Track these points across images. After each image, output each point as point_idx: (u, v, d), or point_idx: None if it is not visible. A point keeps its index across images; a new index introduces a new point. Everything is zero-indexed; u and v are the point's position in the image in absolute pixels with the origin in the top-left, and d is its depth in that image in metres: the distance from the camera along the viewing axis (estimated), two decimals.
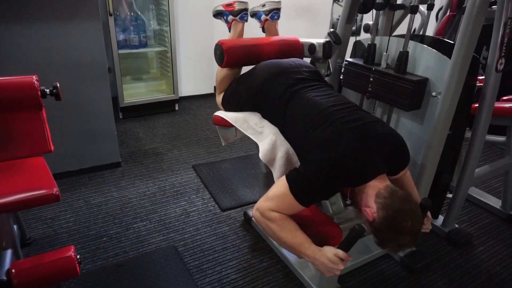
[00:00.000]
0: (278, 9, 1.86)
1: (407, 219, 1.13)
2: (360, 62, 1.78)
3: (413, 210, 1.16)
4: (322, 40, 1.70)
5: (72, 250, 1.42)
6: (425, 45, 1.57)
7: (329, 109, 1.29)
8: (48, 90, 1.27)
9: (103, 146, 2.38)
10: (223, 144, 1.88)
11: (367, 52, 1.74)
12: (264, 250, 1.83)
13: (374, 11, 1.80)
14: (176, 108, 3.45)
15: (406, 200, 1.16)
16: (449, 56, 1.47)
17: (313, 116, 1.30)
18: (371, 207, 1.17)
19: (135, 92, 3.31)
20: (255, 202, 2.15)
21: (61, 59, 2.06)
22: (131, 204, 2.12)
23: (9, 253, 1.46)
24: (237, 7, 1.84)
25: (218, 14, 1.92)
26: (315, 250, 1.17)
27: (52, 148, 1.64)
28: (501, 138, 2.15)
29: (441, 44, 1.67)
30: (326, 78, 1.78)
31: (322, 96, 1.38)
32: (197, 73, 3.68)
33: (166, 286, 1.59)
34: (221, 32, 3.72)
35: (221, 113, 1.69)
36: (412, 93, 1.52)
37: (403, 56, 1.58)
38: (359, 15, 2.07)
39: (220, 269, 1.70)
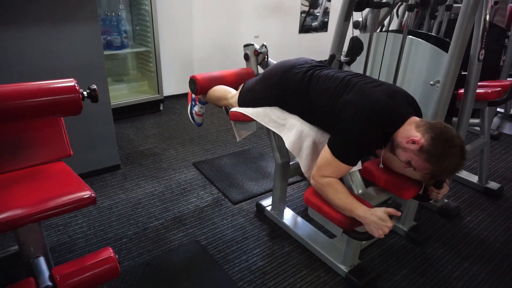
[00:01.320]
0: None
1: (452, 130, 1.24)
2: None
3: (453, 128, 1.27)
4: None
5: (111, 250, 1.44)
6: (422, 40, 1.76)
7: (347, 77, 1.45)
8: (86, 93, 1.27)
9: (102, 149, 2.34)
10: (237, 140, 1.96)
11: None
12: (283, 236, 1.94)
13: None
14: (161, 108, 3.43)
15: (445, 124, 1.27)
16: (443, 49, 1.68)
17: (335, 87, 1.44)
18: (415, 135, 1.24)
19: (119, 94, 3.25)
20: (262, 194, 2.28)
21: (58, 63, 2.01)
22: (142, 205, 2.13)
23: (43, 260, 1.45)
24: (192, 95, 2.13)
25: (192, 115, 2.18)
26: (366, 209, 1.30)
27: (71, 152, 1.63)
28: (476, 120, 2.43)
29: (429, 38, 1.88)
30: None
31: (337, 72, 1.54)
32: (178, 72, 3.68)
33: (200, 279, 1.65)
34: (199, 31, 3.76)
35: (239, 109, 1.77)
36: None
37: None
38: None
39: (246, 258, 1.78)
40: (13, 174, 1.43)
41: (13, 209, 1.21)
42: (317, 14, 5.19)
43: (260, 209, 2.11)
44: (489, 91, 2.11)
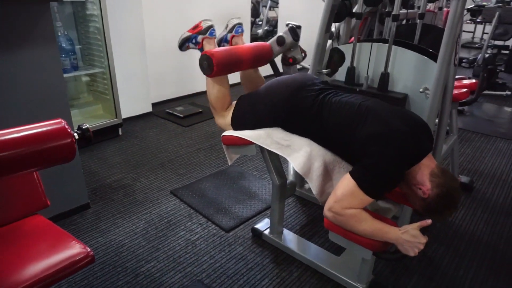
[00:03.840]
0: (240, 23, 1.92)
1: (458, 195, 1.33)
2: (340, 83, 1.96)
3: (459, 188, 1.35)
4: (285, 29, 1.81)
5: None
6: (408, 49, 1.79)
7: (362, 104, 1.42)
8: (76, 134, 1.06)
9: (67, 188, 2.05)
10: (229, 164, 1.82)
11: (348, 74, 1.93)
12: (288, 261, 1.84)
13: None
14: (120, 133, 3.15)
15: (455, 179, 1.33)
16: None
17: (352, 115, 1.40)
18: (426, 185, 1.31)
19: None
20: (254, 216, 2.16)
21: (12, 94, 1.72)
22: (126, 247, 1.89)
23: None
24: (204, 25, 1.84)
25: (185, 42, 1.87)
26: (396, 231, 1.27)
27: (49, 202, 1.38)
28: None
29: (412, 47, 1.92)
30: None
31: (348, 96, 1.50)
32: (134, 92, 3.42)
33: None
34: (153, 47, 3.53)
35: (234, 133, 1.64)
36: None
37: (385, 76, 1.81)
38: None
39: None
40: None
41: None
42: (259, 23, 5.21)
43: (257, 234, 1.99)
44: (459, 92, 2.22)
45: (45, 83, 1.81)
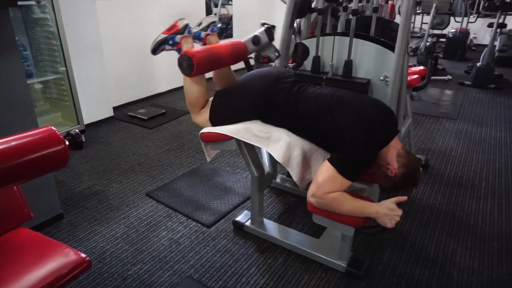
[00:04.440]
0: (215, 21, 1.94)
1: (419, 175, 1.49)
2: (307, 73, 2.07)
3: (420, 168, 1.50)
4: (261, 29, 1.87)
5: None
6: (367, 41, 1.93)
7: (334, 95, 1.54)
8: (66, 140, 1.06)
9: (38, 199, 1.97)
10: (208, 160, 1.86)
11: (314, 62, 2.04)
12: (271, 248, 1.92)
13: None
14: (83, 139, 3.04)
15: (418, 159, 1.48)
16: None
17: (326, 106, 1.51)
18: (393, 165, 1.46)
19: None
20: (233, 210, 2.22)
21: None
22: (109, 253, 1.87)
23: None
24: (180, 24, 1.83)
25: (160, 45, 1.82)
26: (375, 205, 1.41)
27: (31, 214, 1.35)
28: None
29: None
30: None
31: (320, 88, 1.61)
32: (94, 96, 3.31)
33: None
34: (110, 48, 3.43)
35: (214, 129, 1.69)
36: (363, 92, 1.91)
37: (349, 64, 1.94)
38: None
39: (246, 280, 1.72)
40: None
41: None
42: None
43: (239, 226, 2.05)
44: (412, 78, 2.42)
45: (10, 92, 1.73)
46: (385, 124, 1.48)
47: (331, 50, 2.06)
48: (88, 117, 3.25)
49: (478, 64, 4.84)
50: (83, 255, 1.17)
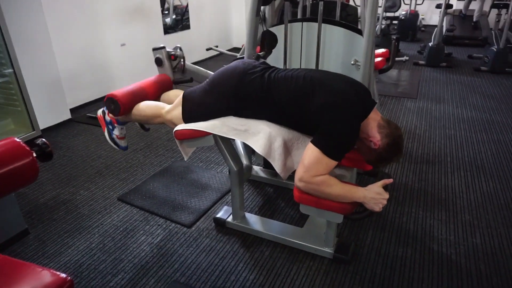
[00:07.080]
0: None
1: (402, 142, 1.48)
2: None
3: (402, 134, 1.51)
4: (155, 52, 2.06)
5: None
6: (337, 26, 1.92)
7: (307, 76, 1.51)
8: (33, 152, 0.95)
9: (0, 216, 1.81)
10: (185, 159, 1.79)
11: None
12: (256, 242, 1.89)
13: None
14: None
15: (398, 127, 1.49)
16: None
17: (300, 88, 1.48)
18: (376, 136, 1.44)
19: None
20: (211, 207, 2.16)
21: None
22: (86, 265, 1.75)
23: None
24: (105, 117, 1.97)
25: (115, 140, 1.99)
26: (362, 190, 1.40)
27: None
28: None
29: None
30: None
31: (291, 71, 1.57)
32: (47, 100, 3.08)
33: None
34: (60, 46, 3.19)
35: (188, 126, 1.62)
36: None
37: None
38: None
39: (235, 278, 1.68)
40: None
41: None
42: (166, 12, 5.02)
43: (220, 223, 2.00)
44: (377, 61, 2.46)
45: None
46: (360, 96, 1.47)
47: (300, 37, 2.03)
48: (44, 121, 3.02)
49: (430, 44, 5.05)
50: (63, 274, 1.07)
